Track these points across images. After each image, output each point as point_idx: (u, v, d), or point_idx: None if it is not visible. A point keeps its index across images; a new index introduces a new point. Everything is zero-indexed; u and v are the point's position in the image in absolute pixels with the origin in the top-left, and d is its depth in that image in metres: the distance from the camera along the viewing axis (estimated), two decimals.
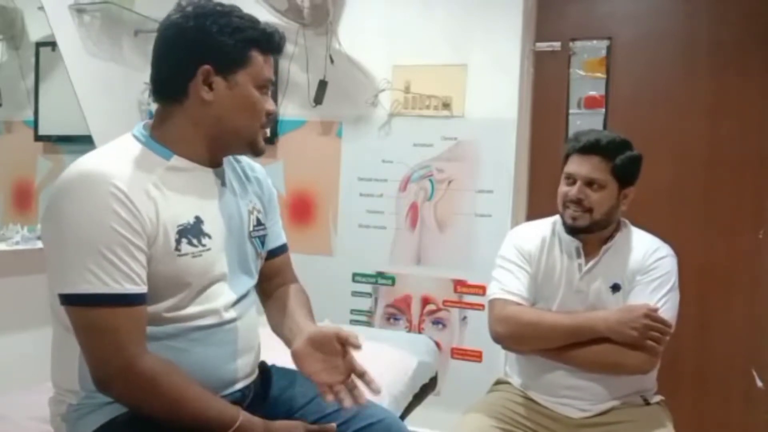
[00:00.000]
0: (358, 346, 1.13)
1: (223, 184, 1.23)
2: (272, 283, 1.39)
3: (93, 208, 1.02)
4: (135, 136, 1.16)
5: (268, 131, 1.25)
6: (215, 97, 1.14)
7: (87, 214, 1.02)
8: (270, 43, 1.17)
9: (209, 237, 1.15)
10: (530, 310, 1.65)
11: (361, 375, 1.15)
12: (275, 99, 2.76)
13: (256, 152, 1.22)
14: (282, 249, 1.41)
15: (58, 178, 1.08)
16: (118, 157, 1.10)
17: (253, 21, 1.16)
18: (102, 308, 1.02)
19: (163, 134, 1.16)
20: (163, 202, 1.09)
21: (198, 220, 1.14)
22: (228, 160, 1.29)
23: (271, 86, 1.21)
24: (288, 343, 1.24)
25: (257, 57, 1.16)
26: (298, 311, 1.31)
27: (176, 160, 1.15)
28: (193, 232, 1.13)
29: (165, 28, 1.15)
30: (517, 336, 1.63)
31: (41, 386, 1.44)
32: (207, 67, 1.12)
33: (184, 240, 1.11)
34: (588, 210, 1.60)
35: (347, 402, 1.12)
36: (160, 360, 1.06)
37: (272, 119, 1.22)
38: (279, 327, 1.31)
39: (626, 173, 1.61)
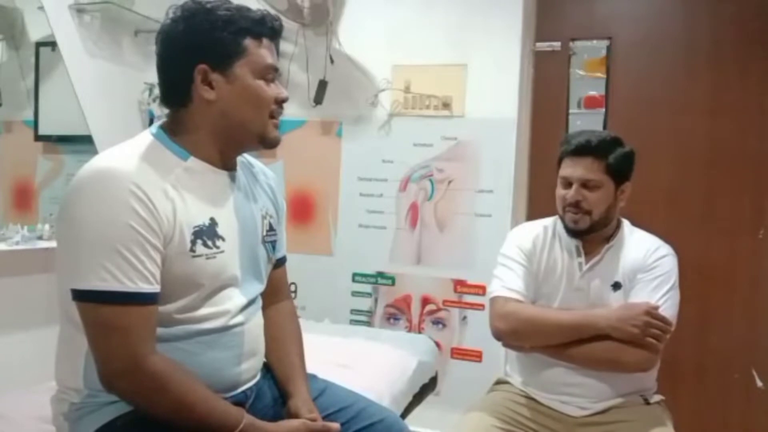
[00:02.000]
0: None
1: (238, 187, 1.23)
2: (269, 293, 1.36)
3: (111, 205, 1.02)
4: (153, 135, 1.16)
5: (279, 121, 1.21)
6: (217, 94, 1.13)
7: (105, 210, 1.02)
8: (262, 26, 1.15)
9: (223, 239, 1.15)
10: (531, 306, 1.65)
11: None
12: None
13: (267, 144, 1.20)
14: (283, 260, 1.43)
15: (76, 174, 1.07)
16: (137, 156, 1.09)
17: (240, 9, 1.14)
18: (115, 306, 1.02)
19: (177, 136, 1.16)
20: (180, 202, 1.09)
21: (213, 222, 1.14)
22: (242, 164, 1.29)
23: (275, 72, 1.18)
24: (280, 382, 1.29)
25: (252, 45, 1.14)
26: (296, 360, 1.33)
27: (193, 162, 1.15)
28: (208, 233, 1.13)
29: (160, 38, 1.16)
30: (518, 332, 1.63)
31: (42, 386, 1.44)
32: (203, 66, 1.12)
33: (199, 241, 1.11)
34: (587, 212, 1.61)
35: None
36: (167, 360, 1.06)
37: (283, 107, 1.19)
38: (274, 358, 1.33)
39: (620, 170, 1.62)
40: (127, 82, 2.53)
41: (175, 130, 1.16)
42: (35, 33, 2.21)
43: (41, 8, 2.14)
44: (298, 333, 1.39)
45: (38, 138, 2.27)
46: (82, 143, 2.25)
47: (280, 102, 1.18)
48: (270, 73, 1.17)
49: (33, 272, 2.00)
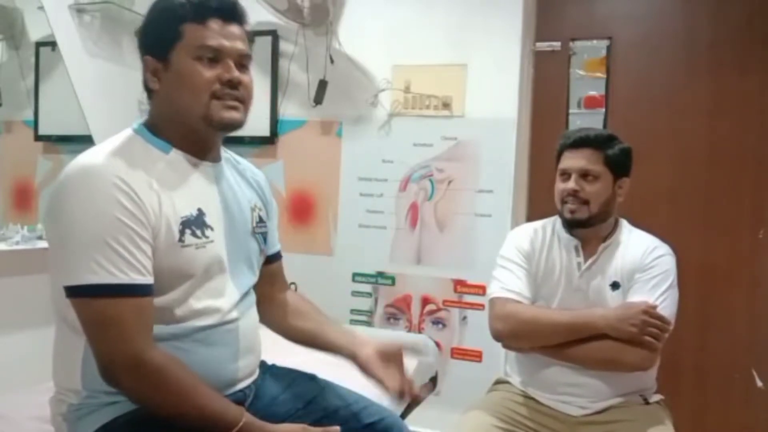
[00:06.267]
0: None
1: (224, 179, 1.24)
2: (273, 287, 1.42)
3: (97, 200, 1.03)
4: (134, 131, 1.17)
5: (235, 102, 1.14)
6: (160, 83, 1.15)
7: (91, 206, 1.03)
8: (202, 8, 1.12)
9: (212, 229, 1.16)
10: (530, 307, 1.66)
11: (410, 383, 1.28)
12: (275, 97, 2.76)
13: (217, 126, 1.14)
14: (279, 255, 1.45)
15: (61, 173, 1.08)
16: (120, 152, 1.10)
17: None
18: (108, 299, 1.02)
19: (158, 130, 1.18)
20: (166, 194, 1.10)
21: (200, 212, 1.15)
22: (228, 161, 1.30)
23: (218, 52, 1.12)
24: (337, 349, 1.34)
25: (191, 28, 1.12)
26: (330, 321, 1.42)
27: (175, 154, 1.16)
28: (196, 223, 1.13)
29: None
30: (517, 333, 1.64)
31: (41, 386, 1.44)
32: (147, 57, 1.15)
33: (187, 231, 1.12)
34: (585, 202, 1.63)
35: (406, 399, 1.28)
36: (167, 355, 1.07)
37: (233, 86, 1.13)
38: (313, 333, 1.38)
39: (619, 163, 1.65)
40: (127, 82, 2.52)
41: (154, 125, 1.18)
42: (35, 33, 2.21)
43: (41, 8, 2.14)
44: (314, 307, 1.46)
45: (38, 138, 2.27)
46: (82, 143, 2.25)
47: (225, 82, 1.12)
48: (207, 53, 1.12)
49: (33, 272, 2.00)
